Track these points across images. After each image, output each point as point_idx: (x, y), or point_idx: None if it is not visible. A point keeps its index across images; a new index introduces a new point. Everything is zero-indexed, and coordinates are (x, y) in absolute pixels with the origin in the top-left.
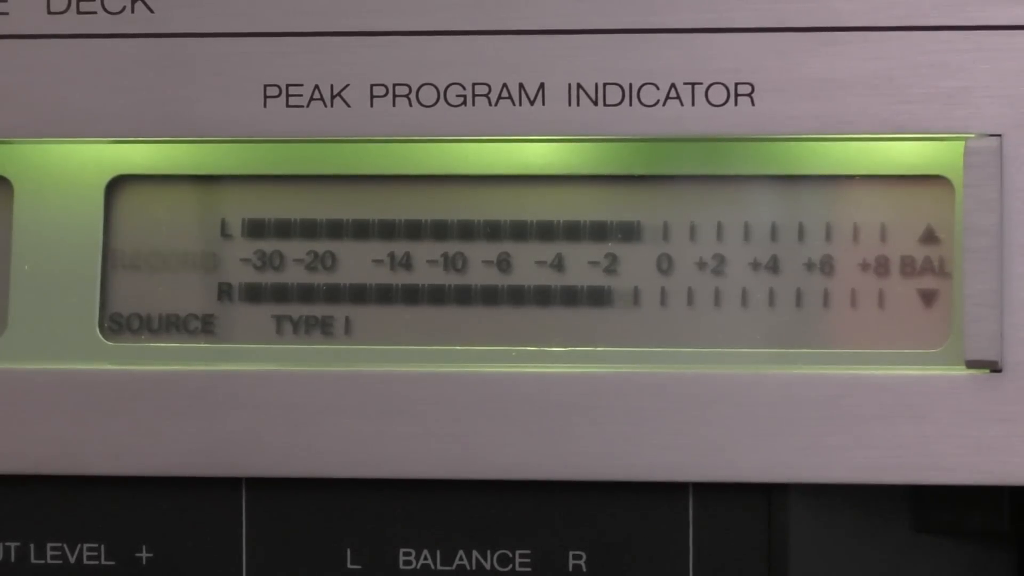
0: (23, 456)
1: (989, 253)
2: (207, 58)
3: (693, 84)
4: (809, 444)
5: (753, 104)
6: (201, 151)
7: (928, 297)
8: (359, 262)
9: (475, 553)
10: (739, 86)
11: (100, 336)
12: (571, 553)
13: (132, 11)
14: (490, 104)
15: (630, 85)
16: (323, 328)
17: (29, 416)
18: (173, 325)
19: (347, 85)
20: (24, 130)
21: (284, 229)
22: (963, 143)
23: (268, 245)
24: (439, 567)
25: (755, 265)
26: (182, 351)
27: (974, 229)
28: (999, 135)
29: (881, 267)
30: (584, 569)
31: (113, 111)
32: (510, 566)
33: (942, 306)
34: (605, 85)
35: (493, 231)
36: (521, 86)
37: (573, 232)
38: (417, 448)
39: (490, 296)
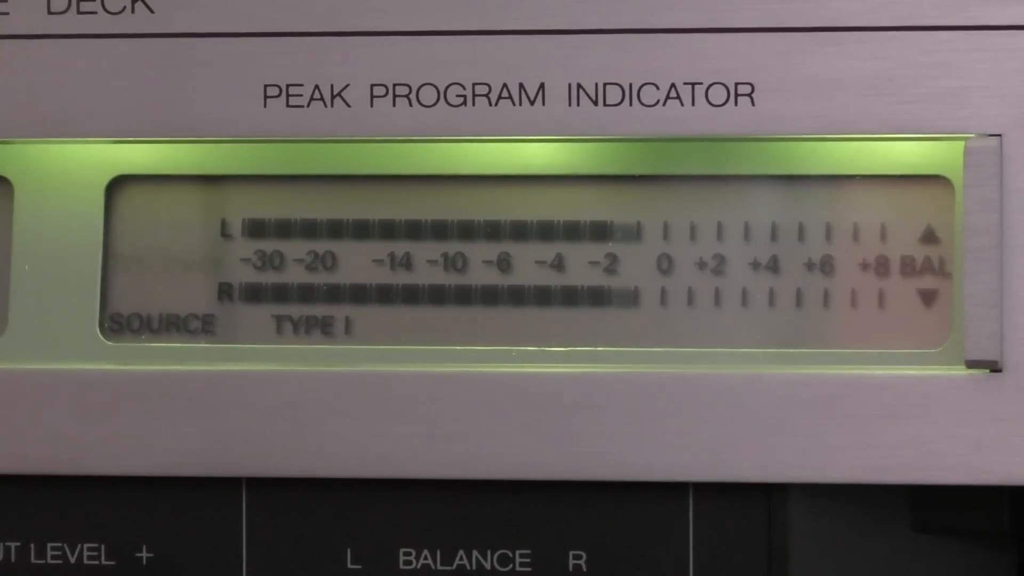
0: (23, 456)
1: (989, 253)
2: (207, 58)
3: (693, 84)
4: (809, 444)
5: (753, 104)
6: (201, 151)
7: (928, 297)
8: (359, 262)
9: (475, 553)
10: (739, 86)
11: (100, 336)
12: (571, 553)
13: (132, 11)
14: (490, 104)
15: (630, 85)
16: (323, 328)
17: (29, 416)
18: (173, 325)
19: (347, 85)
20: (24, 130)
21: (284, 229)
22: (963, 143)
23: (268, 245)
24: (439, 567)
25: (755, 265)
26: (182, 351)
27: (974, 229)
28: (999, 135)
29: (881, 267)
30: (584, 569)
31: (113, 111)
32: (510, 566)
33: (942, 306)
34: (605, 85)
35: (493, 231)
36: (521, 86)
37: (573, 232)
38: (417, 448)
39: (490, 296)
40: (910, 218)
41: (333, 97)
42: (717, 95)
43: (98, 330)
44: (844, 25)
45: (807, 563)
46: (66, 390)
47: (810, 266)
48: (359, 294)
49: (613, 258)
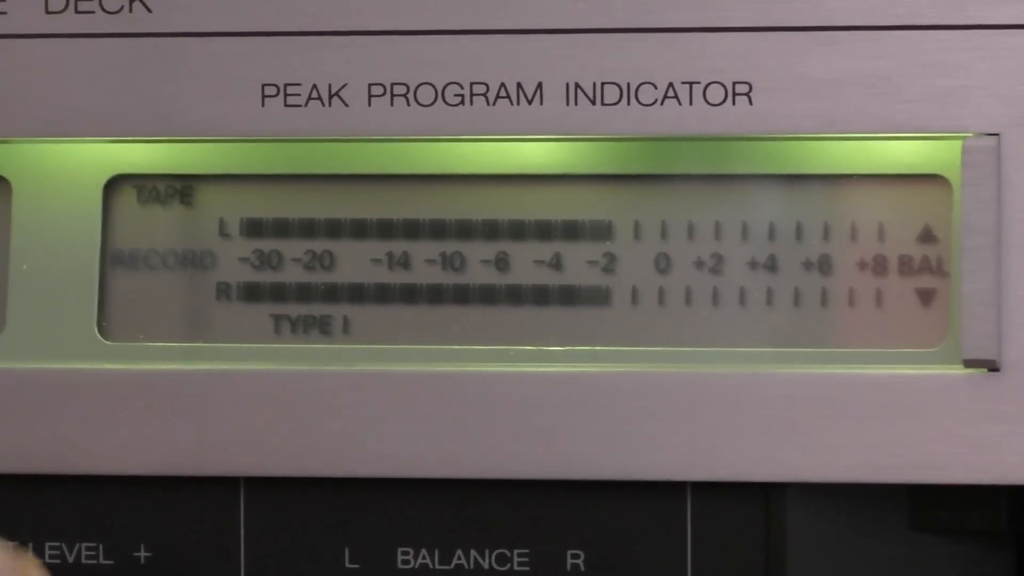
0: (21, 455)
1: (987, 252)
2: (205, 57)
3: (691, 83)
4: (807, 443)
5: (751, 103)
6: (199, 150)
7: (926, 296)
8: (357, 261)
9: (473, 552)
10: (737, 85)
11: (98, 335)
12: (569, 552)
13: (130, 10)
14: (488, 103)
15: (628, 84)
16: (321, 327)
17: (28, 416)
18: (171, 324)
19: (345, 84)
20: (23, 130)
21: (282, 228)
22: (961, 142)
23: (266, 244)
24: (437, 566)
25: (753, 264)
26: (180, 350)
27: (972, 228)
28: (997, 134)
29: (879, 266)
30: (582, 568)
31: (111, 111)
32: (508, 565)
33: (940, 305)
34: (603, 84)
35: (491, 230)
36: (519, 85)
37: (571, 231)
38: (415, 447)
39: (488, 295)
40: (908, 217)
41: (331, 96)
42: (715, 94)
43: (96, 329)
44: (842, 24)
45: (805, 562)
46: (64, 390)
47: (808, 265)
48: (357, 293)
49: (611, 257)
